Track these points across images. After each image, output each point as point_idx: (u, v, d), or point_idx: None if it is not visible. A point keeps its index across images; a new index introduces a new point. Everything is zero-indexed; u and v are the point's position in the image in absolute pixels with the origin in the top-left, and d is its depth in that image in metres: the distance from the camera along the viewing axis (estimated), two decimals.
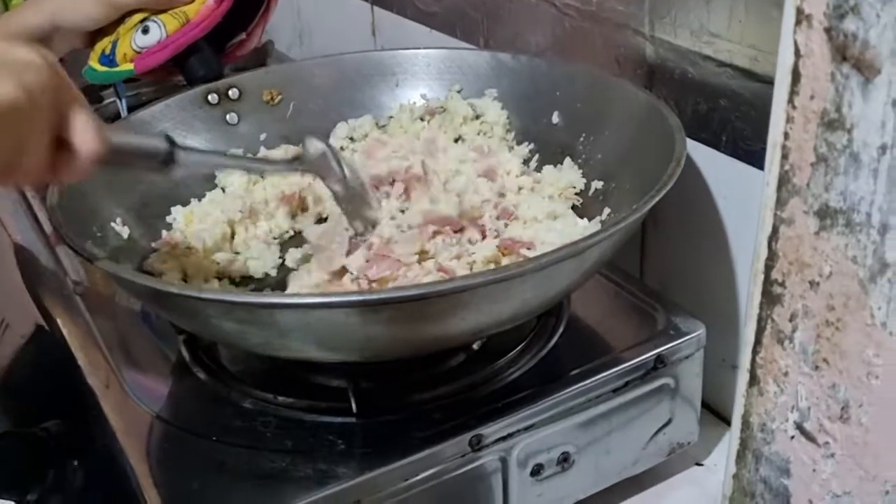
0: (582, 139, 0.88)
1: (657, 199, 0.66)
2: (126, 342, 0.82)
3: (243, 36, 1.02)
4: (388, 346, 0.65)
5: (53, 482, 0.72)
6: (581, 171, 0.86)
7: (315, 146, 0.77)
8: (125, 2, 0.94)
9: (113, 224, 0.80)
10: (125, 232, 0.80)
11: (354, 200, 0.79)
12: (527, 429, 0.69)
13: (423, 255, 0.76)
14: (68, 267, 0.94)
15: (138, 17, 0.95)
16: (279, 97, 0.96)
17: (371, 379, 0.71)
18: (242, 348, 0.72)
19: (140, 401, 0.73)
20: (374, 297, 0.63)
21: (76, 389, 0.77)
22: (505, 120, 0.93)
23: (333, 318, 0.60)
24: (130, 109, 1.02)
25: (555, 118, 0.90)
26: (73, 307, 0.87)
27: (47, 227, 1.01)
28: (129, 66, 0.95)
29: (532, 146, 0.91)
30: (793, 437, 0.52)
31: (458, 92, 0.96)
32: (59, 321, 0.86)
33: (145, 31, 0.94)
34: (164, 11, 0.94)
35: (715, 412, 0.86)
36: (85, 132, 0.59)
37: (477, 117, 0.94)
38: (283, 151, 0.93)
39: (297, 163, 0.78)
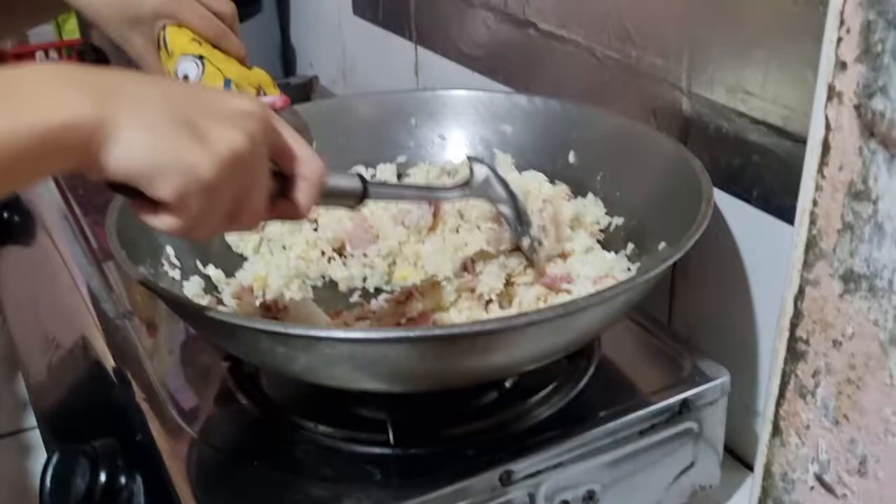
0: (599, 177, 0.91)
1: (696, 238, 0.69)
2: (171, 365, 0.85)
3: None
4: (432, 378, 0.68)
5: (101, 500, 0.74)
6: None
7: (480, 170, 0.81)
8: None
9: (163, 258, 0.83)
10: (176, 274, 0.83)
11: (523, 220, 0.82)
12: (555, 466, 0.71)
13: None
14: (117, 288, 0.98)
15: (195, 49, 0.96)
16: (303, 134, 0.99)
17: (408, 412, 0.73)
18: (286, 374, 0.75)
19: (185, 423, 0.76)
20: (428, 333, 0.68)
21: (124, 409, 0.80)
22: (516, 176, 0.96)
23: (391, 352, 0.64)
24: None
25: (571, 157, 0.94)
26: (121, 329, 0.90)
27: (97, 248, 1.05)
28: None
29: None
30: (812, 488, 0.54)
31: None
32: (108, 342, 0.89)
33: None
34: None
35: (737, 457, 0.87)
36: (310, 162, 0.62)
37: None
38: (434, 174, 0.98)
39: (467, 189, 0.81)
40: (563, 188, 0.92)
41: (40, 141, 0.48)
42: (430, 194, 0.87)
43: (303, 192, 0.61)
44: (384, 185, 0.79)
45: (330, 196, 0.67)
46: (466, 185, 0.81)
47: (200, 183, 0.53)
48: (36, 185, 1.03)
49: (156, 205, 0.54)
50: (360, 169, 0.99)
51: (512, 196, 0.82)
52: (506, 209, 0.82)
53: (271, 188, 0.60)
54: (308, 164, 0.61)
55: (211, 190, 0.53)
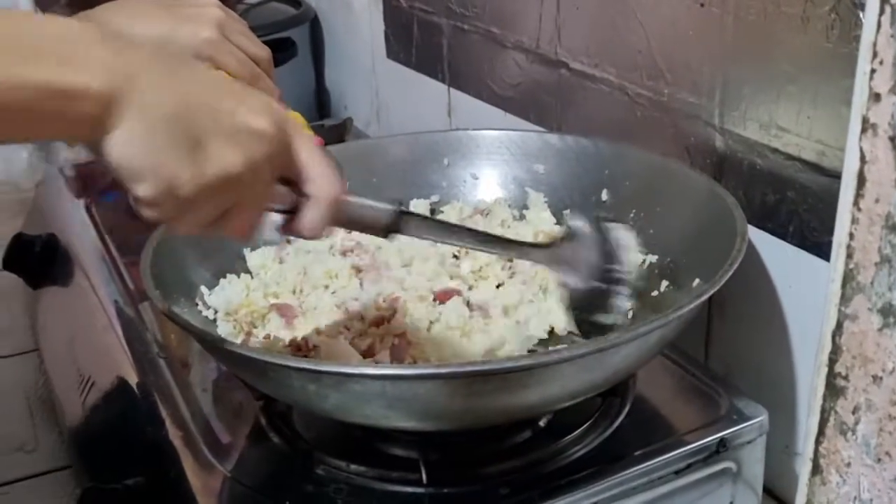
0: (632, 215, 0.91)
1: (730, 273, 0.69)
2: (204, 404, 0.85)
3: None
4: (464, 415, 0.68)
5: None
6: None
7: (580, 230, 0.72)
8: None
9: (197, 297, 0.84)
10: (210, 313, 0.83)
11: (591, 303, 0.73)
12: None
13: None
14: (151, 328, 0.98)
15: None
16: None
17: (440, 451, 0.73)
18: (317, 412, 0.75)
19: (217, 461, 0.76)
20: (459, 370, 0.66)
21: (157, 448, 0.80)
22: (548, 216, 0.96)
23: (422, 389, 0.64)
24: None
25: (604, 195, 0.94)
26: (155, 367, 0.91)
27: (133, 289, 1.06)
28: None
29: None
30: None
31: (508, 205, 0.99)
32: (142, 380, 0.90)
33: None
34: None
35: (777, 498, 0.86)
36: (322, 183, 0.59)
37: (522, 217, 0.98)
38: (467, 212, 0.97)
39: (545, 254, 0.73)
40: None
41: (49, 97, 0.48)
42: (491, 247, 0.72)
43: (310, 212, 0.59)
44: (431, 222, 0.70)
45: (353, 222, 0.64)
46: (549, 249, 0.74)
47: (176, 197, 0.52)
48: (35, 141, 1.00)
49: None
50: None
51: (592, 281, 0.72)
52: (573, 287, 0.72)
53: (285, 203, 0.59)
54: (320, 185, 0.59)
55: (188, 203, 0.53)
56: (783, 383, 0.84)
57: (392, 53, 1.46)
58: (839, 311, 0.51)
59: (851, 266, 0.50)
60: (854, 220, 0.49)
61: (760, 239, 0.82)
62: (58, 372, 1.07)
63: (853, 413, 0.52)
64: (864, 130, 0.47)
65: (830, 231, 0.75)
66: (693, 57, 0.86)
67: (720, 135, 0.85)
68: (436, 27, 1.30)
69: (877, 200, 0.48)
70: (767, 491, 0.82)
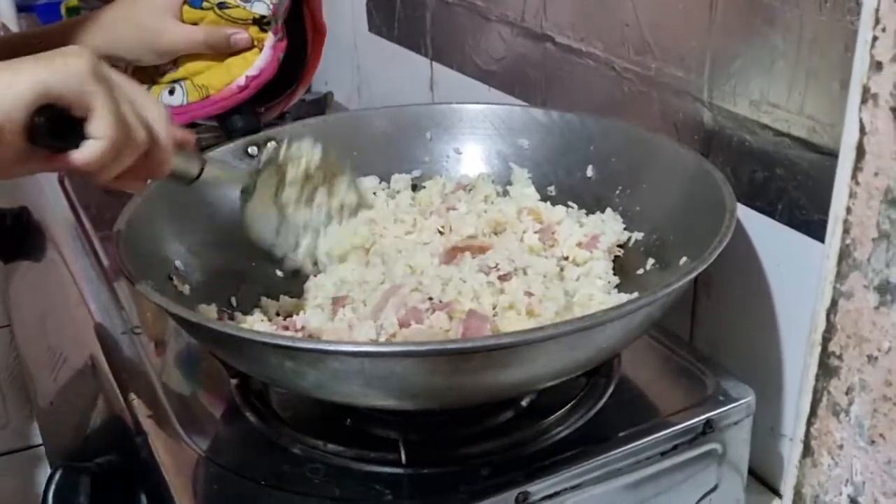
0: (618, 192, 0.89)
1: (719, 250, 0.67)
2: (179, 382, 0.84)
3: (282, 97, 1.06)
4: (445, 394, 0.66)
5: None
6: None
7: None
8: (170, 49, 0.99)
9: (173, 273, 0.81)
10: (186, 289, 0.81)
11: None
12: (573, 488, 0.69)
13: None
14: (126, 304, 0.96)
15: (170, 77, 1.01)
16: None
17: (420, 431, 0.71)
18: (295, 390, 0.73)
19: (191, 441, 0.74)
20: (440, 347, 0.64)
21: (129, 426, 0.78)
22: (532, 192, 0.94)
23: (400, 367, 0.62)
24: None
25: (589, 171, 0.92)
26: (128, 345, 0.89)
27: (107, 266, 1.04)
28: None
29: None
30: None
31: (492, 181, 0.97)
32: (114, 358, 0.87)
33: (171, 91, 1.00)
34: (196, 75, 1.00)
35: (761, 480, 0.85)
36: (162, 119, 0.66)
37: (505, 193, 0.96)
38: (450, 187, 0.97)
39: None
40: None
41: None
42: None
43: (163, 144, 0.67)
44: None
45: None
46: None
47: None
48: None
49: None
50: (374, 181, 0.97)
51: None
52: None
53: None
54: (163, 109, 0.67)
55: None
56: (769, 364, 0.82)
57: (374, 27, 1.43)
58: (834, 288, 0.49)
59: (848, 242, 0.48)
60: (852, 195, 0.47)
61: (748, 217, 0.80)
62: (29, 348, 1.05)
63: (847, 394, 0.50)
64: (864, 101, 0.45)
65: (820, 209, 0.74)
66: (682, 31, 0.84)
67: (708, 110, 0.83)
68: (419, 0, 1.27)
69: (876, 174, 0.46)
70: (751, 473, 0.81)
